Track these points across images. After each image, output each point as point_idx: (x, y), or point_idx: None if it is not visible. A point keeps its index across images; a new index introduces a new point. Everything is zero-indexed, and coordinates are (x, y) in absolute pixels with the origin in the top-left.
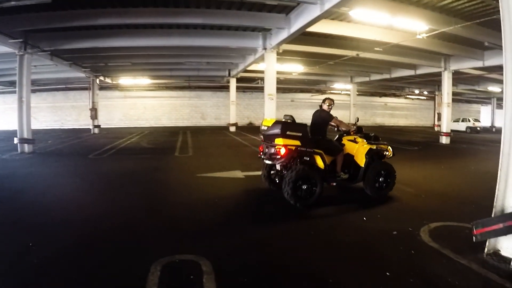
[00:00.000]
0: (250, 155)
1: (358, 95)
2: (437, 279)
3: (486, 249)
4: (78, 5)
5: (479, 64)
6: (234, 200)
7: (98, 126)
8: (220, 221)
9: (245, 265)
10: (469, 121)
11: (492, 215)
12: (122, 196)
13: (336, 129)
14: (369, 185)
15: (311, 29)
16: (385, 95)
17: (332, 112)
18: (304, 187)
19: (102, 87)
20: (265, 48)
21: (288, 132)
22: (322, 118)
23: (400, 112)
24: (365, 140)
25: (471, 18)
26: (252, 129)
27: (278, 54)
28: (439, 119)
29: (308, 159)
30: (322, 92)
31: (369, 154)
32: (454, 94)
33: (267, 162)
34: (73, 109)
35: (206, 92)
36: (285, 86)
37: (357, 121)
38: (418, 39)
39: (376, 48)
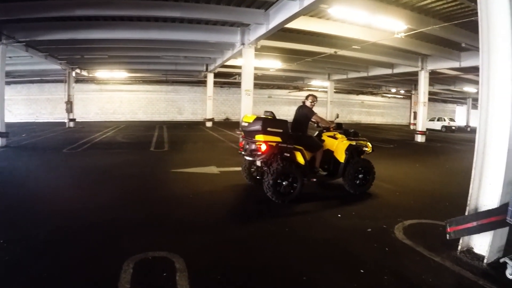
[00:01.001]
0: (226, 151)
1: (335, 92)
2: (411, 276)
3: (459, 247)
4: None
5: (456, 64)
6: (209, 196)
7: (73, 120)
8: (194, 217)
9: (218, 262)
10: (445, 120)
11: (466, 213)
12: (96, 192)
13: (316, 125)
14: (349, 182)
15: (290, 25)
16: (362, 93)
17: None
18: (285, 183)
19: (78, 80)
20: (243, 44)
21: (268, 129)
22: (304, 114)
23: (376, 110)
24: (344, 136)
25: (449, 19)
26: (228, 124)
27: (256, 49)
28: (415, 117)
29: (289, 155)
30: (299, 89)
31: (349, 150)
32: (430, 93)
33: (248, 158)
34: (48, 102)
35: (183, 87)
36: (263, 82)
37: (337, 117)
38: (396, 38)
39: (354, 46)
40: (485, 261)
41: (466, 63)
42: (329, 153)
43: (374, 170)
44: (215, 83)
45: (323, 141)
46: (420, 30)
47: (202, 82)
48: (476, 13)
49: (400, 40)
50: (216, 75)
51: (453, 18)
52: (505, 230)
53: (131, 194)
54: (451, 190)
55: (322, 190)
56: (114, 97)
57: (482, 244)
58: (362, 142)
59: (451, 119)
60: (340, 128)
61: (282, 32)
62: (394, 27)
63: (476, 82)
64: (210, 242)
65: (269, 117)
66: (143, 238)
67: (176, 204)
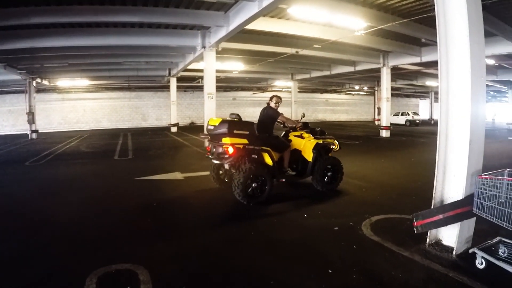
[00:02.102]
0: (190, 156)
1: (299, 92)
2: (380, 273)
3: (428, 240)
4: (11, 3)
5: (417, 60)
6: (173, 203)
7: (36, 131)
8: (159, 226)
9: (184, 272)
10: (408, 114)
11: (432, 206)
12: (57, 205)
13: (282, 125)
14: (318, 180)
15: (250, 26)
16: (326, 91)
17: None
18: (254, 185)
19: (40, 90)
20: (204, 47)
21: (235, 131)
22: (269, 115)
23: (341, 107)
24: (311, 135)
25: (408, 15)
26: (193, 129)
27: (217, 52)
28: (379, 113)
29: (256, 156)
30: (263, 90)
31: (316, 148)
32: (393, 89)
33: (215, 162)
34: (10, 114)
35: (146, 93)
36: (226, 84)
37: (303, 116)
38: (357, 36)
39: (315, 45)
40: (454, 252)
41: (427, 57)
42: (297, 153)
43: (342, 167)
44: (179, 87)
45: (290, 141)
46: (380, 27)
47: (166, 87)
48: (434, 8)
49: (361, 37)
50: (179, 79)
51: (412, 14)
52: (472, 221)
53: (93, 205)
54: (417, 183)
55: (291, 190)
56: (77, 106)
57: (450, 236)
58: (329, 140)
59: (415, 113)
60: (307, 127)
61: (243, 34)
62: (354, 25)
63: (437, 76)
64: (175, 252)
65: (235, 119)
66: (106, 251)
67: (140, 214)
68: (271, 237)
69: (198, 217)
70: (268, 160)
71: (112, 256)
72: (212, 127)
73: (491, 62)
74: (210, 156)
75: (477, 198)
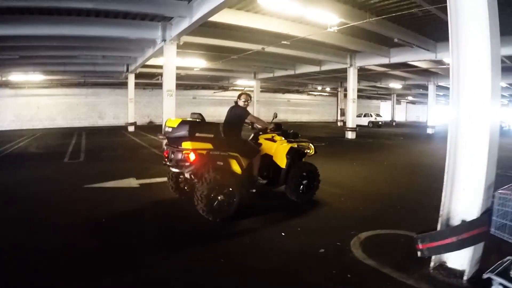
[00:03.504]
0: (147, 159)
1: (261, 91)
2: None
3: (432, 263)
4: None
5: (385, 61)
6: (125, 219)
7: None
8: (106, 252)
9: None
10: (371, 116)
11: (438, 225)
12: None
13: (251, 127)
14: (292, 189)
15: (216, 19)
16: (289, 91)
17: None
18: (220, 198)
19: None
20: (164, 40)
21: (197, 134)
22: (237, 115)
23: (303, 108)
24: (283, 138)
25: (383, 13)
26: (152, 128)
27: (178, 47)
28: (342, 114)
29: (222, 164)
30: (225, 88)
31: (290, 153)
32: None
33: (174, 170)
34: None
35: (104, 89)
36: (187, 82)
37: (275, 117)
38: (326, 33)
39: (283, 42)
40: (464, 277)
41: (396, 59)
42: (268, 158)
43: (318, 174)
44: (137, 84)
45: (260, 144)
46: (354, 23)
47: (124, 84)
48: (412, 7)
49: (330, 35)
50: (138, 76)
51: (388, 12)
52: None
53: (28, 222)
54: (399, 190)
55: (262, 201)
56: (31, 103)
57: (457, 257)
58: (303, 144)
59: (378, 115)
60: (279, 129)
61: (206, 28)
62: (327, 20)
63: (401, 78)
64: (124, 286)
65: (197, 120)
66: (35, 284)
67: (84, 234)
68: (244, 265)
69: (155, 238)
70: (236, 167)
71: None
72: (170, 129)
73: None
74: (168, 163)
75: (496, 217)
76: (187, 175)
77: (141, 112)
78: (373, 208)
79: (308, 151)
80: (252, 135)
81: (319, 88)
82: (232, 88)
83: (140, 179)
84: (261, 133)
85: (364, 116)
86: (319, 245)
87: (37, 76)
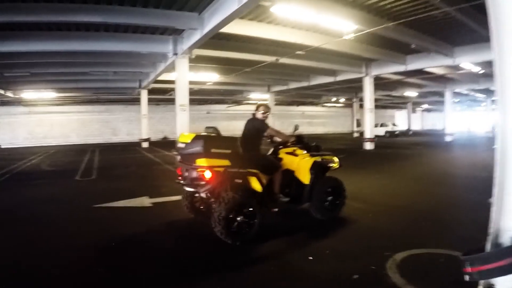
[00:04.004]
0: (161, 175)
1: (275, 104)
2: None
3: (480, 287)
4: None
5: (402, 68)
6: (137, 243)
7: None
8: (114, 282)
9: None
10: (388, 125)
11: (488, 244)
12: None
13: (270, 141)
14: (317, 207)
15: (227, 30)
16: (303, 103)
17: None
18: (239, 219)
19: (3, 102)
20: (176, 53)
21: (213, 150)
22: (256, 128)
23: (318, 120)
24: (305, 152)
25: (399, 18)
26: (166, 144)
27: (190, 60)
28: (358, 125)
29: (241, 181)
30: (238, 103)
31: (314, 168)
32: None
33: (189, 189)
34: None
35: (117, 106)
36: (200, 97)
37: (296, 129)
38: (340, 42)
39: (298, 52)
40: None
41: (412, 66)
42: (289, 174)
43: (345, 189)
44: (150, 100)
45: (281, 159)
46: (370, 30)
47: (137, 100)
48: (430, 10)
49: (345, 44)
50: (151, 91)
51: (405, 16)
52: None
53: (30, 244)
54: (427, 203)
55: (282, 219)
56: (44, 120)
57: (507, 279)
58: (327, 157)
59: (394, 124)
60: (301, 142)
61: (218, 40)
62: (342, 27)
63: (416, 86)
64: None
65: (212, 134)
66: None
67: (90, 261)
68: None
69: (168, 267)
70: (256, 185)
71: None
72: (183, 145)
73: (477, 69)
74: (181, 182)
75: None
76: (203, 195)
77: (155, 128)
78: (404, 225)
79: (332, 164)
80: (272, 149)
81: (333, 99)
82: (246, 102)
83: (153, 197)
84: (281, 146)
85: (381, 126)
86: (352, 270)
87: (49, 94)
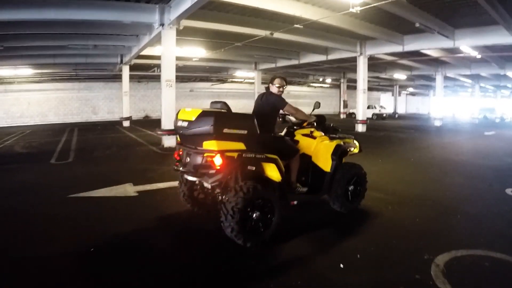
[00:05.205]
0: (145, 158)
1: (262, 83)
2: None
3: None
4: None
5: (399, 48)
6: (121, 246)
7: None
8: None
9: None
10: (375, 108)
11: None
12: None
13: (282, 120)
14: (339, 198)
15: None
16: (289, 83)
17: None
18: (256, 215)
19: None
20: (162, 24)
21: (225, 130)
22: (271, 104)
23: (303, 100)
24: (323, 134)
25: None
26: (148, 122)
27: (177, 33)
28: (345, 106)
29: (254, 168)
30: (223, 80)
31: (336, 153)
32: (356, 81)
33: (190, 178)
34: None
35: (97, 83)
36: (184, 74)
37: (317, 107)
38: (338, 17)
39: (296, 25)
40: None
41: (410, 46)
42: (306, 159)
43: (366, 178)
44: (132, 77)
45: (297, 142)
46: (378, 3)
47: (118, 77)
48: None
49: (343, 19)
50: (133, 67)
51: None
52: None
53: None
54: (446, 193)
55: (295, 212)
56: (20, 99)
57: None
58: (348, 140)
59: (382, 107)
60: (322, 123)
61: (209, 11)
62: None
63: (407, 68)
64: None
65: (222, 110)
66: None
67: (64, 273)
68: None
69: (160, 280)
70: (274, 174)
71: None
72: (185, 124)
73: (475, 53)
74: (180, 168)
75: None
76: (207, 185)
77: (136, 106)
78: (430, 219)
79: (353, 149)
80: (285, 130)
81: (320, 79)
82: (231, 79)
83: (138, 185)
84: (295, 127)
85: (368, 108)
86: (394, 281)
87: (26, 70)
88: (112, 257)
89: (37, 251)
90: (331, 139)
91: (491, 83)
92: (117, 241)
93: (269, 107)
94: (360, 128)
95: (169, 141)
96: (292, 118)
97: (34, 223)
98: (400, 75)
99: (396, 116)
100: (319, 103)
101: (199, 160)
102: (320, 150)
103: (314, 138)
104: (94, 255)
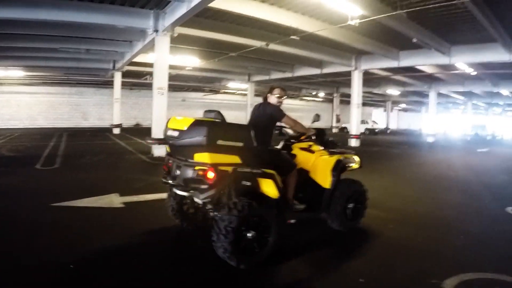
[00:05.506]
0: (134, 167)
1: (255, 95)
2: None
3: None
4: None
5: (394, 64)
6: (102, 263)
7: None
8: None
9: None
10: (368, 123)
11: None
12: None
13: (279, 133)
14: (337, 216)
15: (218, 5)
16: None
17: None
18: (251, 235)
19: None
20: (156, 30)
21: (219, 142)
22: (269, 115)
23: (295, 113)
24: (322, 148)
25: (406, 7)
26: (139, 130)
27: (171, 41)
28: (337, 121)
29: (249, 183)
30: (215, 91)
31: (337, 169)
32: (349, 96)
33: (180, 193)
34: None
35: (88, 88)
36: (176, 83)
37: (317, 119)
38: (335, 30)
39: (292, 37)
40: None
41: (406, 62)
42: (304, 175)
43: (366, 195)
44: (124, 84)
45: (294, 156)
46: (377, 17)
47: (109, 83)
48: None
49: (339, 32)
50: (125, 74)
51: (411, 6)
52: None
53: None
54: (446, 212)
55: (290, 230)
56: (10, 101)
57: None
58: (348, 155)
59: (375, 122)
60: (321, 136)
61: (204, 19)
62: (348, 11)
63: (400, 84)
64: None
65: (217, 120)
66: None
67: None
68: None
69: None
70: (271, 190)
71: None
72: (176, 133)
73: (470, 70)
74: (169, 181)
75: None
76: (199, 201)
77: (127, 114)
78: (433, 239)
79: (352, 165)
80: (282, 143)
81: (314, 93)
82: (224, 91)
83: (125, 195)
84: (293, 140)
85: (361, 123)
86: None
87: (17, 72)
88: (90, 275)
89: (12, 262)
90: (331, 153)
91: (483, 100)
92: (97, 256)
93: (266, 118)
94: (354, 143)
95: (159, 151)
96: (289, 131)
97: (11, 232)
98: (393, 91)
99: (388, 131)
100: (319, 116)
101: (190, 173)
102: (319, 165)
103: (313, 152)
104: (71, 274)
